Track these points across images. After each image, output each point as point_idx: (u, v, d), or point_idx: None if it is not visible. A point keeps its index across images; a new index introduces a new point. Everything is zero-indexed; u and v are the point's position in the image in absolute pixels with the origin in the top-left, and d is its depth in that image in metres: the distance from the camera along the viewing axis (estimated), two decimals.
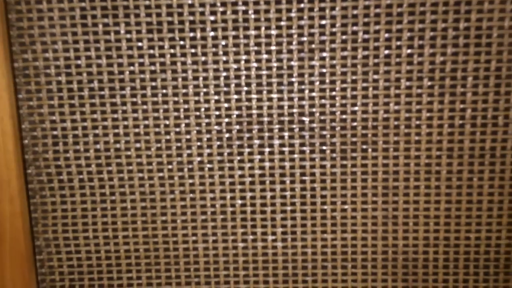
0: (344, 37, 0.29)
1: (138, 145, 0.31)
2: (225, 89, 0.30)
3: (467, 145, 0.30)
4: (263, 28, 0.29)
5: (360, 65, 0.29)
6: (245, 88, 0.30)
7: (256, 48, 0.29)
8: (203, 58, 0.30)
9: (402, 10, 0.29)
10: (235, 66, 0.30)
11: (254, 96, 0.30)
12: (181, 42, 0.30)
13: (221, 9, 0.29)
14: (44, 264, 0.32)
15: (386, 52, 0.29)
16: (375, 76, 0.29)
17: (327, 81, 0.30)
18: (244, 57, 0.29)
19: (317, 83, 0.30)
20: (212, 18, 0.29)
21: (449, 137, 0.30)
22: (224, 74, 0.30)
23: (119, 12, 0.29)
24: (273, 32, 0.29)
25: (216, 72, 0.30)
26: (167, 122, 0.31)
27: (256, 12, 0.29)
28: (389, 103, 0.30)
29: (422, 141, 0.30)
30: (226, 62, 0.30)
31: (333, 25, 0.29)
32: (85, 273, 0.33)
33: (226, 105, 0.30)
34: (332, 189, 0.31)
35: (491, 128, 0.30)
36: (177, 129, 0.31)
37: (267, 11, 0.29)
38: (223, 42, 0.29)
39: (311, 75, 0.30)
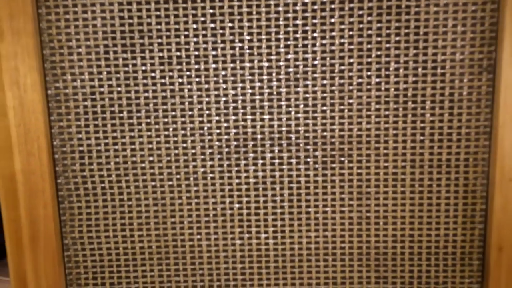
0: (323, 68, 0.35)
1: (151, 158, 0.37)
2: (224, 111, 0.36)
3: (427, 157, 0.36)
4: (256, 61, 0.35)
5: (337, 91, 0.35)
6: (241, 111, 0.36)
7: (250, 77, 0.35)
8: (206, 86, 0.35)
9: (371, 46, 0.34)
10: (233, 92, 0.35)
11: (249, 117, 0.36)
12: (188, 73, 0.35)
13: (221, 45, 0.35)
14: (71, 259, 0.38)
15: (359, 80, 0.35)
16: (350, 100, 0.35)
17: (310, 104, 0.35)
18: (240, 85, 0.35)
19: (302, 106, 0.36)
20: (213, 53, 0.35)
21: (411, 150, 0.36)
22: (224, 99, 0.36)
23: (136, 48, 0.35)
24: (265, 64, 0.35)
25: (217, 97, 0.36)
26: (175, 139, 0.36)
27: (250, 48, 0.35)
28: (361, 123, 0.36)
29: (389, 153, 0.36)
30: (225, 89, 0.35)
31: (314, 59, 0.35)
32: (106, 266, 0.38)
33: (225, 124, 0.36)
34: (315, 194, 0.37)
35: (446, 143, 0.36)
36: (184, 145, 0.36)
37: (259, 47, 0.35)
38: (223, 72, 0.35)
39: (296, 99, 0.36)
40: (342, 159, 0.36)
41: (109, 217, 0.38)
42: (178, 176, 0.37)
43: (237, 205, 0.37)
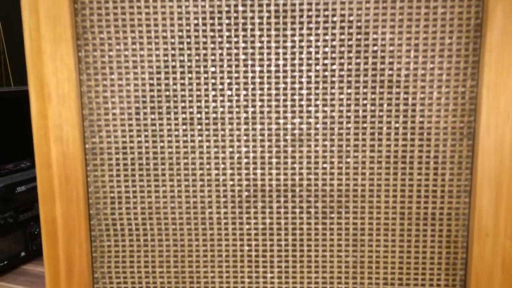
0: (324, 131, 0.40)
1: (172, 204, 0.42)
2: (237, 165, 0.41)
3: (415, 210, 0.41)
4: (266, 123, 0.40)
5: (336, 151, 0.40)
6: (252, 165, 0.41)
7: (261, 137, 0.40)
8: (222, 144, 0.41)
9: (366, 114, 0.40)
10: (245, 149, 0.41)
11: (259, 171, 0.41)
12: (206, 132, 0.41)
13: (236, 109, 0.40)
14: None
15: (355, 142, 0.40)
16: (347, 159, 0.40)
17: (312, 161, 0.41)
18: (252, 143, 0.41)
19: (305, 162, 0.41)
20: (229, 115, 0.40)
21: (401, 204, 0.41)
22: (237, 155, 0.41)
23: (163, 110, 0.41)
24: (273, 126, 0.40)
25: (231, 153, 0.41)
26: (194, 188, 0.42)
27: (261, 112, 0.40)
28: (357, 179, 0.41)
29: (381, 206, 0.41)
30: (238, 146, 0.41)
31: (316, 123, 0.40)
32: None
33: (238, 177, 0.41)
34: (315, 240, 0.42)
35: (431, 199, 0.40)
36: (202, 194, 0.42)
37: (269, 112, 0.40)
38: (237, 132, 0.41)
39: (300, 157, 0.41)
40: (340, 210, 0.41)
41: (134, 255, 0.43)
42: (195, 221, 0.42)
43: (246, 248, 0.42)
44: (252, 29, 0.39)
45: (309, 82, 0.40)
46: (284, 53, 0.39)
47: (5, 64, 1.75)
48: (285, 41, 0.39)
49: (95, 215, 0.42)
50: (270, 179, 0.41)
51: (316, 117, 0.40)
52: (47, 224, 0.40)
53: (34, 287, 0.72)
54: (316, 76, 0.39)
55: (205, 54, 0.40)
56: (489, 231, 0.40)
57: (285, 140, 0.41)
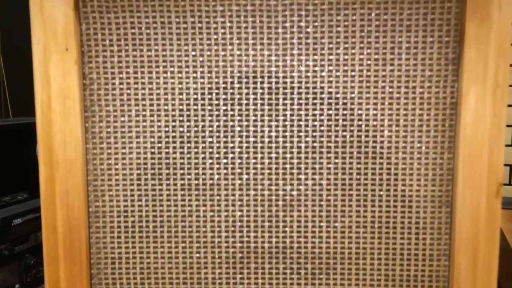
0: (313, 197, 0.43)
1: (170, 265, 0.44)
2: (232, 228, 0.44)
3: (398, 272, 0.43)
4: (259, 190, 0.43)
5: (324, 216, 0.43)
6: (246, 229, 0.44)
7: (254, 202, 0.43)
8: (217, 208, 0.43)
9: (352, 182, 0.43)
10: (239, 213, 0.43)
11: (252, 234, 0.44)
12: (203, 197, 0.43)
13: (231, 176, 0.43)
14: None
15: (342, 208, 0.43)
16: (335, 224, 0.43)
17: (302, 226, 0.43)
18: (245, 208, 0.43)
19: (295, 226, 0.43)
20: (224, 182, 0.43)
21: (385, 266, 0.43)
22: (232, 219, 0.43)
23: (163, 176, 0.43)
24: (266, 192, 0.43)
25: (226, 217, 0.43)
26: (190, 250, 0.44)
27: (255, 179, 0.43)
28: (344, 242, 0.43)
29: (367, 268, 0.43)
30: (233, 211, 0.43)
31: (306, 189, 0.43)
32: None
33: (232, 239, 0.44)
34: None
35: (413, 262, 0.43)
36: (198, 255, 0.44)
37: (262, 179, 0.43)
38: (232, 198, 0.43)
39: (291, 221, 0.43)
40: (328, 271, 0.44)
41: None
42: (191, 281, 0.44)
43: None
44: (247, 104, 0.42)
45: (299, 152, 0.43)
46: (277, 126, 0.42)
47: (4, 95, 1.78)
48: (277, 115, 0.42)
49: (96, 275, 0.44)
50: (263, 242, 0.44)
51: (306, 184, 0.43)
52: (51, 284, 0.42)
53: None
54: (306, 147, 0.43)
55: (203, 126, 0.43)
56: None
57: (277, 205, 0.43)
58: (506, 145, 1.82)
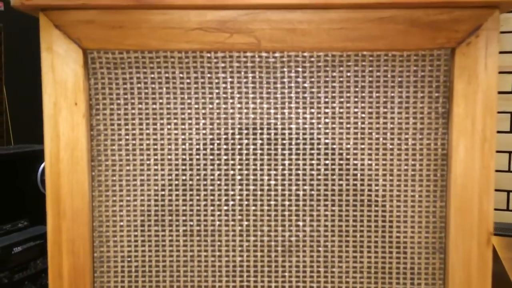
0: (311, 243, 0.44)
1: None
2: (232, 273, 0.45)
3: None
4: (258, 236, 0.45)
5: (322, 262, 0.45)
6: (246, 274, 0.45)
7: (254, 248, 0.45)
8: (218, 253, 0.45)
9: (349, 229, 0.44)
10: (239, 259, 0.45)
11: (252, 279, 0.45)
12: (204, 243, 0.45)
13: (231, 223, 0.45)
14: None
15: (339, 254, 0.44)
16: (332, 269, 0.45)
17: (301, 270, 0.45)
18: (245, 253, 0.45)
19: (294, 271, 0.45)
20: (225, 228, 0.45)
21: None
22: (232, 264, 0.45)
23: (165, 223, 0.45)
24: (265, 238, 0.45)
25: (227, 262, 0.45)
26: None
27: (254, 225, 0.45)
28: (341, 287, 0.45)
29: None
30: (233, 256, 0.45)
31: (304, 236, 0.45)
32: None
33: (232, 284, 0.45)
34: None
35: None
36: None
37: (261, 225, 0.45)
38: (232, 243, 0.45)
39: (290, 266, 0.45)
40: None
41: None
42: None
43: None
44: (247, 154, 0.44)
45: (297, 200, 0.44)
46: (276, 175, 0.44)
47: (6, 123, 1.80)
48: (276, 165, 0.44)
49: None
50: (263, 286, 0.45)
51: (304, 231, 0.45)
52: None
53: None
54: (304, 195, 0.44)
55: (205, 174, 0.45)
56: None
57: (276, 251, 0.45)
58: (503, 171, 1.84)
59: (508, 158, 1.84)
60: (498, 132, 1.82)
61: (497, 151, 1.83)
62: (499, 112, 1.78)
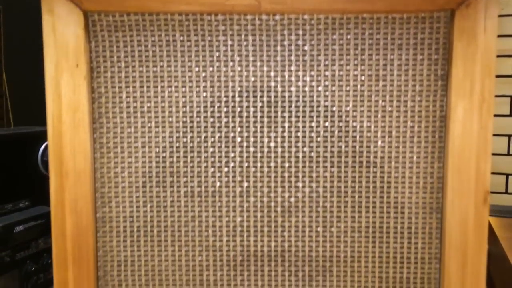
0: (310, 204, 0.45)
1: (173, 268, 0.46)
2: (233, 233, 0.46)
3: (391, 275, 0.46)
4: (258, 197, 0.45)
5: (321, 221, 0.45)
6: (246, 233, 0.46)
7: (254, 208, 0.46)
8: (219, 214, 0.46)
9: (347, 190, 0.45)
10: (239, 219, 0.46)
11: (252, 238, 0.46)
12: (205, 204, 0.46)
13: (232, 184, 0.45)
14: None
15: (338, 214, 0.45)
16: (331, 229, 0.45)
17: (300, 230, 0.46)
18: (245, 214, 0.46)
19: (293, 231, 0.46)
20: (225, 189, 0.45)
21: (379, 269, 0.46)
22: (232, 224, 0.46)
23: (167, 184, 0.46)
24: (265, 199, 0.45)
25: (227, 222, 0.46)
26: (193, 253, 0.46)
27: (254, 187, 0.45)
28: (340, 246, 0.46)
29: (361, 270, 0.46)
30: (234, 216, 0.46)
31: (303, 197, 0.45)
32: None
33: (233, 243, 0.46)
34: None
35: (406, 264, 0.45)
36: (200, 258, 0.46)
37: (261, 187, 0.45)
38: (232, 204, 0.46)
39: (289, 226, 0.46)
40: (325, 273, 0.46)
41: None
42: (194, 282, 0.47)
43: None
44: (247, 116, 0.45)
45: (297, 162, 0.45)
46: (275, 137, 0.45)
47: (6, 105, 1.80)
48: (276, 127, 0.45)
49: (102, 277, 0.47)
50: (262, 246, 0.46)
51: (303, 192, 0.45)
52: (59, 286, 0.45)
53: None
54: (303, 157, 0.45)
55: (205, 137, 0.45)
56: None
57: (276, 211, 0.46)
58: (502, 154, 1.84)
59: (508, 142, 1.84)
60: (498, 115, 1.82)
61: (497, 135, 1.83)
62: (499, 96, 1.78)
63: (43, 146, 0.84)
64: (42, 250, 0.82)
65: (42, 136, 0.84)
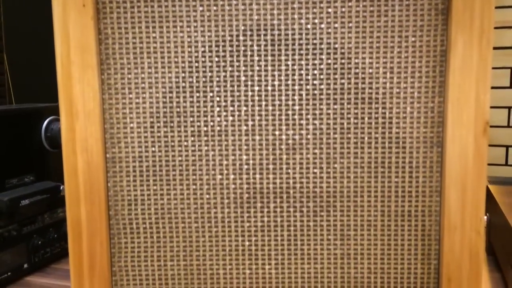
0: (314, 141, 0.46)
1: (182, 206, 0.48)
2: (239, 171, 0.47)
3: (393, 208, 0.47)
4: (264, 135, 0.47)
5: (324, 158, 0.47)
6: (252, 171, 0.47)
7: (259, 146, 0.47)
8: (225, 152, 0.47)
9: (350, 126, 0.46)
10: (245, 157, 0.47)
11: (257, 175, 0.47)
12: (212, 142, 0.47)
13: (237, 123, 0.47)
14: (117, 282, 0.49)
15: (341, 150, 0.46)
16: (335, 165, 0.47)
17: (304, 167, 0.47)
18: (251, 152, 0.47)
19: (297, 168, 0.47)
20: (231, 128, 0.47)
21: (381, 203, 0.47)
22: (239, 162, 0.47)
23: (174, 124, 0.47)
24: (270, 137, 0.47)
25: (234, 160, 0.47)
26: (201, 191, 0.48)
27: (260, 125, 0.47)
28: (343, 182, 0.47)
29: (364, 205, 0.47)
30: (240, 154, 0.47)
31: (307, 133, 0.46)
32: None
33: (239, 181, 0.47)
34: (307, 235, 0.48)
35: (407, 198, 0.47)
36: (208, 196, 0.48)
37: (266, 125, 0.47)
38: (239, 143, 0.47)
39: (294, 163, 0.47)
40: (329, 209, 0.47)
41: (148, 251, 0.49)
42: (202, 220, 0.48)
43: (247, 243, 0.48)
44: (252, 55, 0.45)
45: (300, 99, 0.46)
46: (279, 75, 0.46)
47: (7, 83, 1.81)
48: (279, 65, 0.46)
49: (113, 216, 0.48)
50: (268, 183, 0.48)
51: (307, 129, 0.47)
52: (73, 224, 0.46)
53: None
54: (307, 94, 0.46)
55: (211, 76, 0.46)
56: (457, 225, 0.46)
57: (280, 149, 0.47)
58: (502, 126, 1.85)
59: (508, 114, 1.85)
60: (498, 87, 1.82)
61: (497, 107, 1.83)
62: (498, 68, 1.78)
63: (46, 122, 0.85)
64: (48, 224, 0.84)
65: (45, 112, 0.85)
